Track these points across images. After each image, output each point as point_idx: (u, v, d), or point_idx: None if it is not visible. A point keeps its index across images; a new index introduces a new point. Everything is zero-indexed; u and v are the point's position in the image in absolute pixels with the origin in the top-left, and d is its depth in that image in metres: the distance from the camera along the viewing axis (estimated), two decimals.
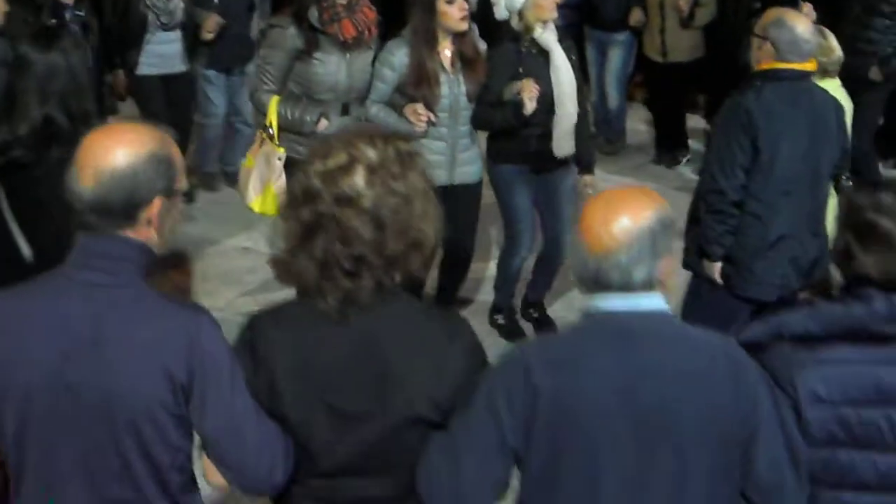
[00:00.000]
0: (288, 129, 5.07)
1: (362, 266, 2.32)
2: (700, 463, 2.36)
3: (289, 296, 2.54)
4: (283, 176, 5.01)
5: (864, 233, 2.59)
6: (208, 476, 2.44)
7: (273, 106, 5.06)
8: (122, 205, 2.33)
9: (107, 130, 2.42)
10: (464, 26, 5.08)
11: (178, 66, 6.97)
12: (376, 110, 5.14)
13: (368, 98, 5.14)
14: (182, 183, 2.45)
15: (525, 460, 2.39)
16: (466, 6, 5.06)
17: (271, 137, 5.08)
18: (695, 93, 8.81)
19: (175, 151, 2.42)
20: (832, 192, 4.58)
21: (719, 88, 8.01)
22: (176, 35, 6.89)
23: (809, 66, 4.38)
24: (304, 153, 4.73)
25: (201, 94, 7.27)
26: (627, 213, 2.36)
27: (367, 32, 5.13)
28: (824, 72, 5.01)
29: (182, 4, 6.83)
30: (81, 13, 6.27)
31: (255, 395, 2.38)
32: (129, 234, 2.36)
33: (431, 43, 5.06)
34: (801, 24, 4.31)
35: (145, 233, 2.38)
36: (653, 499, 2.36)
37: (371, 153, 2.34)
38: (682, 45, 8.04)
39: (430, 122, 5.06)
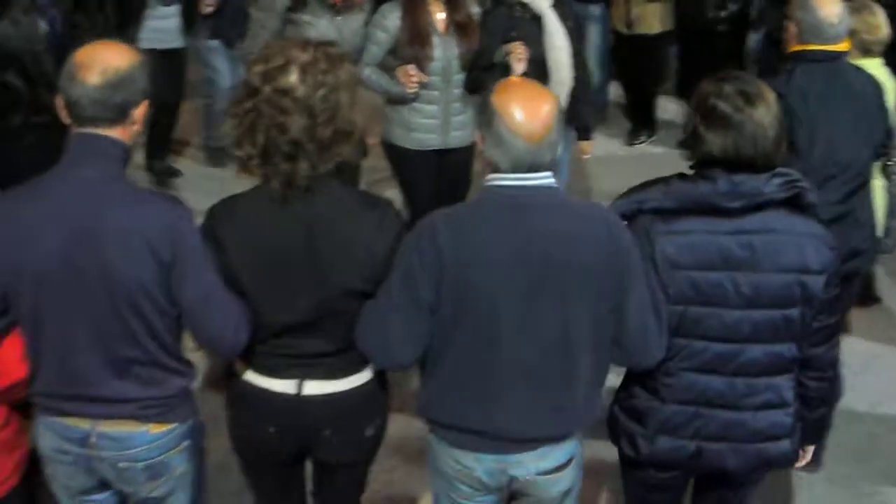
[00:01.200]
0: None
1: (299, 150, 2.74)
2: (582, 311, 2.81)
3: None
4: None
5: (707, 116, 2.96)
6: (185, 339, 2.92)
7: None
8: (121, 102, 2.73)
9: (99, 44, 2.81)
10: None
11: (177, 41, 6.87)
12: (369, 72, 5.13)
13: (361, 60, 5.12)
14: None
15: (436, 311, 2.81)
16: None
17: None
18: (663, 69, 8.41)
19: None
20: (878, 175, 4.44)
21: (690, 64, 7.92)
22: (175, 9, 6.78)
23: (841, 46, 4.24)
24: None
25: (207, 67, 7.18)
26: (546, 103, 2.79)
27: None
28: (866, 50, 4.76)
29: None
30: None
31: (219, 272, 2.82)
32: (116, 133, 2.76)
33: (423, 5, 5.05)
34: (827, 6, 4.15)
35: (128, 132, 2.79)
36: (542, 340, 2.81)
37: (303, 55, 2.76)
38: (649, 17, 7.75)
39: (421, 84, 5.01)
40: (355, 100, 2.82)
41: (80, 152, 2.77)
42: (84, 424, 2.91)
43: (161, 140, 7.21)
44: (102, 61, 2.72)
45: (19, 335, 2.87)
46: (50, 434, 2.97)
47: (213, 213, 2.90)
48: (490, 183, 2.84)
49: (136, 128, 2.82)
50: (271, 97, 2.73)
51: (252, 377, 3.01)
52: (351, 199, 2.87)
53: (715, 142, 2.94)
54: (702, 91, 3.04)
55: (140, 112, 2.79)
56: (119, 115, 2.75)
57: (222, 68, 7.17)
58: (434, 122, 5.15)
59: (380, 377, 3.08)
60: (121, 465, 2.95)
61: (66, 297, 2.75)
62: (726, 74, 3.06)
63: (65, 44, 5.88)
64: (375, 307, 2.86)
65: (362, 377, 3.01)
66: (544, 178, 2.83)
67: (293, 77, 2.73)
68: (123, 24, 6.38)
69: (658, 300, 2.94)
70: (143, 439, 2.93)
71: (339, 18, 5.08)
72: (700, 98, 3.03)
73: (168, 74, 6.80)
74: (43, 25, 5.71)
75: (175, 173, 7.24)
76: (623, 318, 2.88)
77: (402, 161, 5.27)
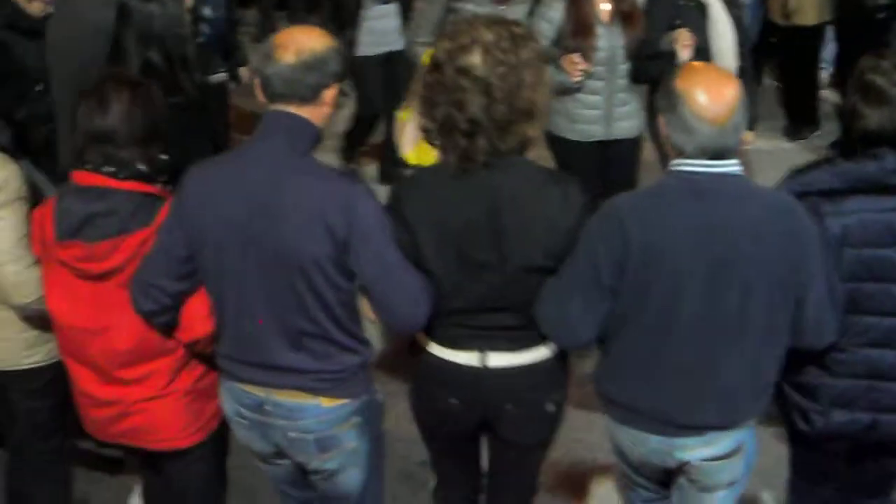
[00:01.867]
0: None
1: (476, 128, 2.76)
2: (760, 301, 2.79)
3: None
4: None
5: (865, 91, 3.03)
6: (366, 313, 2.96)
7: (426, 58, 5.02)
8: (314, 83, 2.82)
9: (298, 27, 2.96)
10: None
11: (396, 43, 6.43)
12: None
13: None
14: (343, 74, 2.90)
15: (617, 295, 2.83)
16: None
17: None
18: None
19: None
20: None
21: (848, 54, 7.70)
22: (392, 8, 6.49)
23: None
24: None
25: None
26: (730, 87, 2.77)
27: None
28: None
29: None
30: None
31: (402, 250, 2.85)
32: (308, 114, 2.85)
33: None
34: None
35: (319, 112, 2.87)
36: (718, 329, 2.80)
37: (488, 34, 2.77)
38: (807, 7, 7.58)
39: (585, 74, 4.96)
40: (540, 80, 2.82)
41: (269, 128, 2.86)
42: (259, 392, 3.01)
43: (353, 141, 7.12)
44: (298, 42, 2.82)
45: (205, 294, 3.01)
46: (229, 397, 3.11)
47: (397, 189, 2.97)
48: (675, 168, 2.83)
49: (327, 110, 2.89)
50: (453, 74, 2.77)
51: (436, 349, 3.05)
52: (535, 175, 2.87)
53: (872, 117, 2.99)
54: (860, 67, 3.10)
55: (331, 94, 2.86)
56: (310, 94, 2.82)
57: None
58: (598, 113, 5.11)
59: (560, 354, 3.08)
60: (291, 434, 3.03)
61: (243, 265, 2.85)
62: (885, 51, 3.09)
63: (226, 33, 6.08)
64: (557, 286, 2.87)
65: (544, 352, 3.02)
66: (731, 165, 2.80)
67: (475, 56, 2.75)
68: (341, 27, 6.39)
69: (835, 288, 2.96)
70: (315, 411, 2.99)
71: (501, 8, 5.07)
72: (858, 74, 3.08)
73: (387, 80, 6.64)
74: (207, 12, 5.89)
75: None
76: (801, 310, 2.87)
77: (565, 152, 5.23)
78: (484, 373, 2.99)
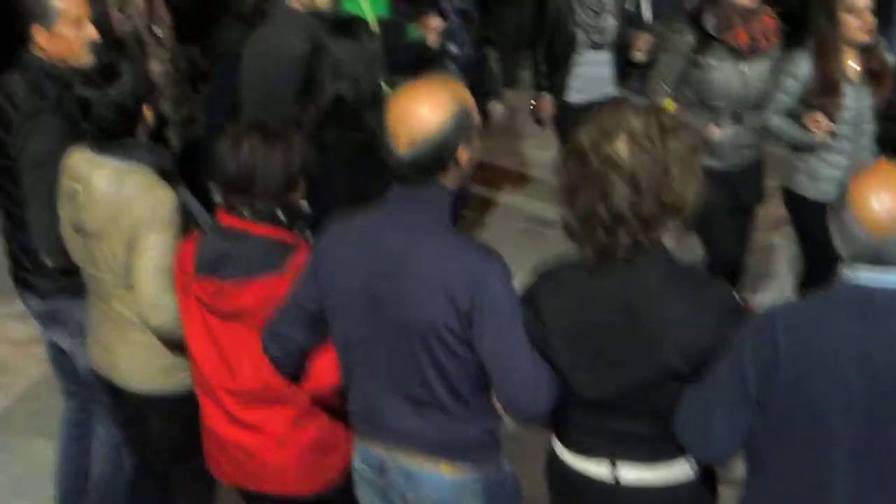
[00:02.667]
0: None
1: (620, 223, 2.58)
2: None
3: None
4: None
5: None
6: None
7: (668, 106, 5.04)
8: (434, 160, 2.71)
9: (411, 94, 2.75)
10: (865, 38, 4.88)
11: (608, 90, 6.25)
12: (777, 121, 5.04)
13: (768, 108, 5.05)
14: (476, 121, 2.79)
15: (763, 409, 2.56)
16: (869, 18, 4.85)
17: None
18: None
19: (468, 98, 2.78)
20: None
21: None
22: (605, 56, 6.25)
23: None
24: None
25: None
26: None
27: (763, 41, 5.08)
28: None
29: (614, 22, 6.19)
30: (462, 4, 6.27)
31: (530, 337, 2.72)
32: (441, 179, 2.74)
33: (835, 53, 4.89)
34: None
35: (453, 175, 2.76)
36: (881, 470, 2.49)
37: (635, 122, 2.59)
38: None
39: (831, 133, 4.85)
40: (690, 173, 2.61)
41: (403, 193, 2.79)
42: (380, 451, 2.96)
43: None
44: (410, 126, 2.69)
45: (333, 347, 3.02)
46: (355, 453, 3.08)
47: (535, 281, 2.82)
48: (843, 275, 2.55)
49: (463, 170, 2.78)
50: (597, 163, 2.60)
51: (564, 454, 2.89)
52: (675, 273, 2.67)
53: None
54: None
55: (464, 154, 2.75)
56: (436, 170, 2.73)
57: None
58: (839, 173, 4.94)
59: (705, 474, 2.83)
60: (409, 496, 2.96)
61: (368, 326, 2.82)
62: None
63: (471, 68, 6.22)
64: (699, 396, 2.64)
65: (684, 470, 2.79)
66: None
67: (621, 145, 2.58)
68: (552, 71, 6.31)
69: None
70: (436, 479, 2.90)
71: (744, 63, 5.03)
72: None
73: None
74: (453, 49, 6.05)
75: None
76: None
77: (803, 210, 5.10)
78: (617, 491, 2.79)
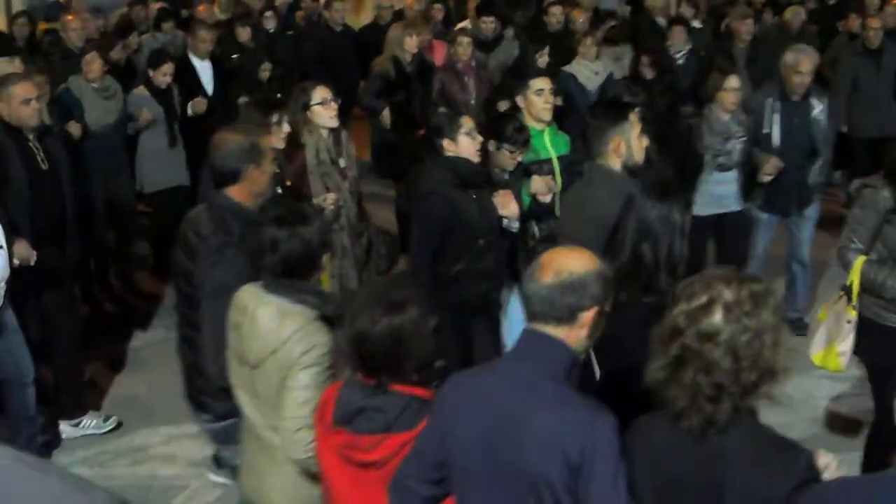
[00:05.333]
0: (869, 290, 4.94)
1: (722, 393, 2.66)
2: None
3: None
4: (850, 338, 4.97)
5: None
6: None
7: (857, 266, 4.88)
8: (569, 305, 2.89)
9: (565, 249, 3.03)
10: None
11: (733, 205, 7.00)
12: None
13: None
14: (609, 303, 2.96)
15: None
16: None
17: (848, 297, 4.97)
18: None
19: (609, 273, 2.97)
20: None
21: None
22: (732, 175, 6.90)
23: None
24: (885, 317, 4.55)
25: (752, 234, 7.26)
26: None
27: None
28: None
29: (740, 146, 6.86)
30: None
31: (627, 488, 2.80)
32: (564, 335, 2.91)
33: None
34: None
35: (576, 335, 2.93)
36: None
37: (728, 293, 2.68)
38: None
39: None
40: (779, 341, 2.71)
41: (523, 347, 2.97)
42: None
43: None
44: (560, 263, 2.92)
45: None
46: None
47: (633, 434, 2.88)
48: None
49: (585, 332, 2.93)
50: (695, 340, 2.68)
51: None
52: (764, 440, 2.72)
53: None
54: None
55: (588, 317, 2.91)
56: (567, 316, 2.90)
57: (761, 242, 7.21)
58: None
59: None
60: None
61: (484, 476, 2.92)
62: None
63: None
64: None
65: None
66: None
67: (717, 318, 2.66)
68: (682, 185, 6.52)
69: None
70: None
71: None
72: None
73: (716, 240, 6.99)
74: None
75: None
76: None
77: None
78: None
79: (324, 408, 3.40)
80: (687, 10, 11.85)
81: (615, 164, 4.75)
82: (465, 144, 5.40)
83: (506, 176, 5.87)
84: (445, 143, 5.41)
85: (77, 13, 10.04)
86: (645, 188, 4.06)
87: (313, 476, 3.61)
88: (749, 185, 6.97)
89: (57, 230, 6.08)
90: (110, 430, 6.37)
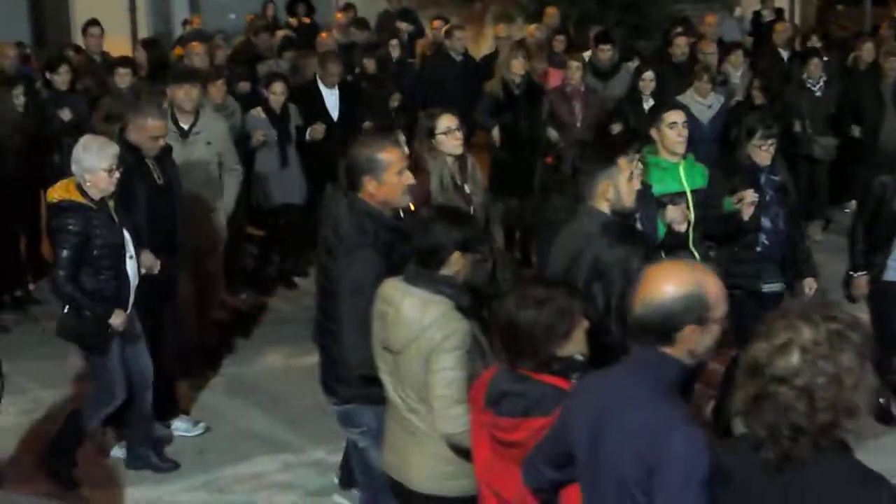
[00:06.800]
0: None
1: (799, 432, 2.64)
2: None
3: None
4: None
5: None
6: None
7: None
8: (657, 327, 2.97)
9: (662, 267, 3.10)
10: None
11: None
12: None
13: None
14: (719, 312, 3.00)
15: None
16: None
17: None
18: None
19: (711, 289, 2.99)
20: None
21: None
22: None
23: None
24: None
25: None
26: None
27: None
28: None
29: None
30: (776, 177, 6.21)
31: None
32: (667, 349, 2.99)
33: None
34: None
35: (680, 350, 3.00)
36: None
37: (807, 334, 2.63)
38: None
39: None
40: (862, 381, 2.65)
41: (632, 360, 3.09)
42: None
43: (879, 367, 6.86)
44: (648, 290, 2.99)
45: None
46: None
47: (718, 460, 2.86)
48: None
49: (689, 347, 2.99)
50: (772, 383, 2.66)
51: None
52: (846, 475, 2.67)
53: None
54: None
55: (688, 333, 2.96)
56: (660, 337, 2.98)
57: None
58: None
59: None
60: None
61: (590, 469, 3.08)
62: None
63: (783, 243, 6.10)
64: None
65: None
66: None
67: (794, 360, 2.63)
68: (870, 250, 6.43)
69: None
70: None
71: None
72: None
73: None
74: (766, 223, 5.96)
75: None
76: None
77: None
78: None
79: (476, 391, 3.74)
80: (816, 43, 11.59)
81: (604, 207, 4.64)
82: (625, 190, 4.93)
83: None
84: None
85: (204, 41, 10.33)
86: (604, 229, 4.12)
87: (462, 452, 3.93)
88: None
89: (170, 242, 6.45)
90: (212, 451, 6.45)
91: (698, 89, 8.94)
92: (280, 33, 12.70)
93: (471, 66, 11.51)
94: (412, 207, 5.79)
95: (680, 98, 8.59)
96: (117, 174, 5.63)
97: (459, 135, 6.02)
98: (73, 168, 5.64)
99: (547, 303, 3.58)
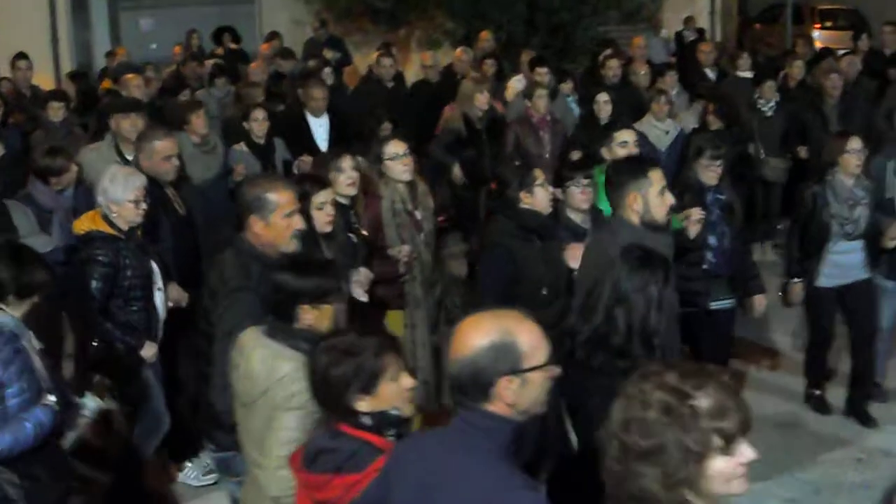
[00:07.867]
0: None
1: None
2: None
3: None
4: None
5: None
6: None
7: None
8: (469, 383, 2.77)
9: (472, 319, 2.85)
10: None
11: (860, 275, 6.66)
12: None
13: None
14: (536, 360, 2.78)
15: None
16: None
17: None
18: None
19: (523, 336, 2.78)
20: None
21: None
22: (858, 244, 6.59)
23: None
24: None
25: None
26: None
27: None
28: None
29: (867, 212, 6.52)
30: (723, 196, 6.33)
31: None
32: (490, 407, 2.78)
33: None
34: None
35: (498, 407, 2.79)
36: None
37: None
38: None
39: None
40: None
41: (459, 421, 2.86)
42: None
43: (809, 367, 7.06)
44: (455, 347, 2.82)
45: None
46: None
47: None
48: None
49: (507, 403, 2.78)
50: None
51: None
52: None
53: None
54: None
55: (500, 390, 2.76)
56: (477, 395, 2.79)
57: (889, 310, 6.89)
58: None
59: None
60: None
61: None
62: None
63: (730, 260, 6.27)
64: None
65: None
66: None
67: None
68: (804, 258, 6.64)
69: None
70: None
71: None
72: None
73: (848, 307, 6.73)
74: (712, 241, 6.07)
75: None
76: None
77: None
78: None
79: (299, 450, 3.51)
80: (743, 62, 11.77)
81: (633, 218, 4.74)
82: (539, 196, 5.49)
83: (586, 225, 5.79)
84: (522, 195, 5.48)
85: (138, 73, 10.16)
86: (623, 255, 4.02)
87: None
88: (874, 252, 6.65)
89: (193, 272, 6.21)
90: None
91: (655, 112, 8.85)
92: (209, 62, 12.55)
93: (402, 92, 11.46)
94: (365, 233, 5.76)
95: (637, 125, 8.37)
96: (144, 205, 5.55)
97: (408, 160, 6.01)
98: (99, 199, 5.57)
99: (349, 355, 3.33)
